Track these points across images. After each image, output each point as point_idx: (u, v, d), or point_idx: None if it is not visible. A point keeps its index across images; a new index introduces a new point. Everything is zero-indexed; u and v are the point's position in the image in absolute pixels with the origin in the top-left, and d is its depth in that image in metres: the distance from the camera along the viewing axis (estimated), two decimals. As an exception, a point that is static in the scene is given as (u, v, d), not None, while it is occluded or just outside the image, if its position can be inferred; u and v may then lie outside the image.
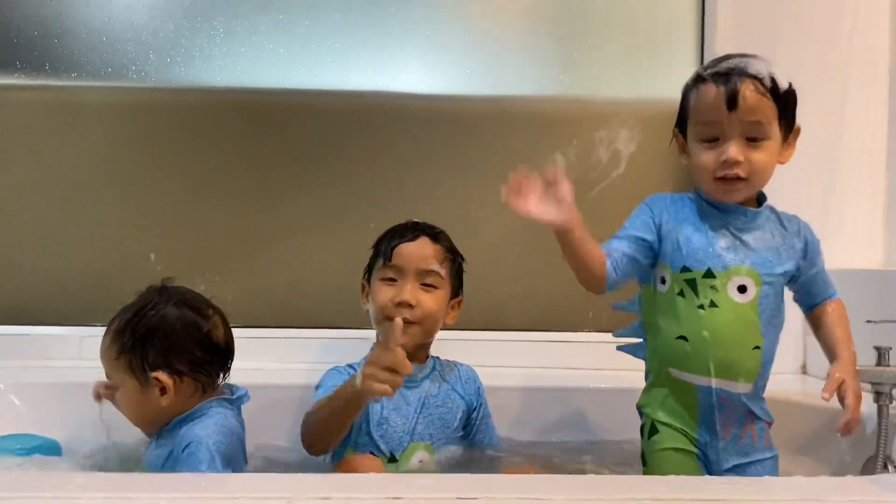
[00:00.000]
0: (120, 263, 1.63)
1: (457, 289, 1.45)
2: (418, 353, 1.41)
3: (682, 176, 1.88)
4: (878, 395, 1.31)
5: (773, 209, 1.29)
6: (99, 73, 1.81)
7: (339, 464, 1.32)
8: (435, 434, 1.38)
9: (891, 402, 1.32)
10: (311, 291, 1.83)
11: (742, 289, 1.22)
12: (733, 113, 1.16)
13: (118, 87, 1.82)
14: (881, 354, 1.32)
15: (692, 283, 1.22)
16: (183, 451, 1.14)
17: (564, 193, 1.15)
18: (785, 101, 1.18)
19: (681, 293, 1.23)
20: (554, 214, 1.14)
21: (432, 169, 1.86)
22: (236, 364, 1.71)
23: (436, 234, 1.42)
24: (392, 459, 1.34)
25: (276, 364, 1.72)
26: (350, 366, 1.40)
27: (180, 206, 1.84)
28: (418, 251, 1.38)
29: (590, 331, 1.84)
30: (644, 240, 1.26)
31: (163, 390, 1.19)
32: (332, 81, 1.84)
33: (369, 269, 1.44)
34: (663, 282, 1.27)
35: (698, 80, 1.22)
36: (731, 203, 1.24)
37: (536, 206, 1.14)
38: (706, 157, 1.20)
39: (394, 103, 1.85)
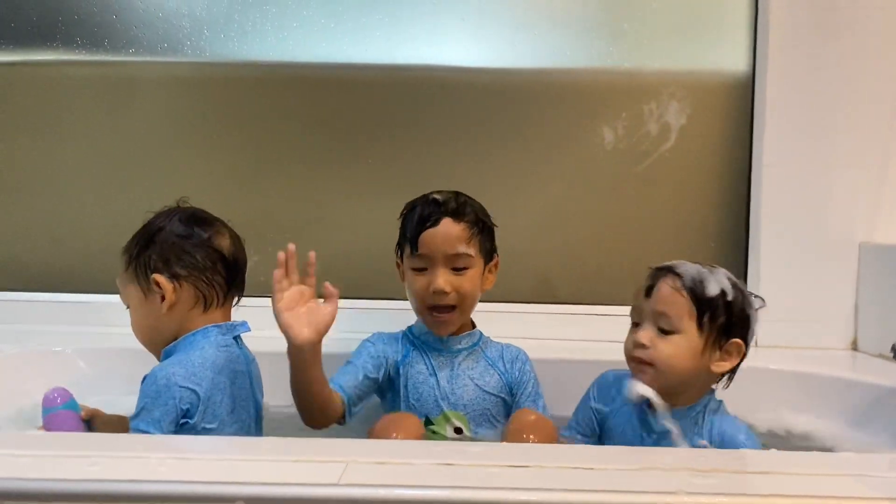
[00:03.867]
0: (177, 234, 1.68)
1: (490, 254, 1.40)
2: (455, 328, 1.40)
3: (732, 149, 1.85)
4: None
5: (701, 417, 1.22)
6: (155, 49, 1.85)
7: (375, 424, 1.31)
8: (469, 405, 1.38)
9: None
10: (360, 263, 1.86)
11: None
12: (647, 301, 1.20)
13: (174, 62, 1.86)
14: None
15: None
16: (142, 382, 1.15)
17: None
18: (708, 306, 1.18)
19: None
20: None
21: (480, 141, 1.86)
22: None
23: (458, 211, 1.35)
24: (428, 422, 1.37)
25: (329, 333, 1.76)
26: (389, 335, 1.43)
27: (233, 178, 1.88)
28: (443, 237, 1.33)
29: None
30: (584, 434, 1.32)
31: (163, 298, 1.18)
32: (380, 55, 1.85)
33: (399, 250, 1.42)
34: None
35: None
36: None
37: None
38: (627, 339, 1.23)
39: (442, 76, 1.86)
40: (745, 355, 1.21)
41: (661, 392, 1.19)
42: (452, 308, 1.35)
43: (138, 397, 1.14)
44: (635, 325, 1.23)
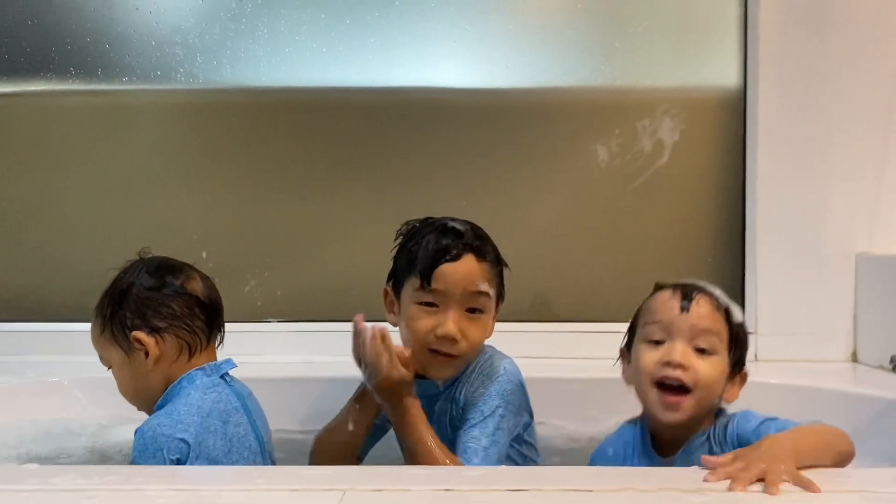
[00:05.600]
0: (173, 261, 1.70)
1: (501, 298, 1.27)
2: None
3: (727, 166, 1.86)
4: (932, 384, 1.29)
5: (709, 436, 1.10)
6: (149, 77, 1.86)
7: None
8: None
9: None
10: (358, 285, 1.86)
11: None
12: (684, 315, 1.07)
13: (167, 89, 1.86)
14: (935, 343, 1.30)
15: None
16: (133, 443, 1.12)
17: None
18: (736, 332, 1.10)
19: None
20: None
21: (474, 161, 1.87)
22: (286, 357, 1.77)
23: (481, 249, 1.20)
24: None
25: (327, 357, 1.76)
26: None
27: (229, 204, 1.89)
28: (465, 274, 1.17)
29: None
30: None
31: (147, 353, 1.15)
32: (374, 78, 1.86)
33: (396, 278, 1.25)
34: None
35: (655, 288, 1.15)
36: (671, 424, 1.07)
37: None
38: (648, 357, 1.08)
39: (436, 98, 1.87)
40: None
41: (688, 423, 1.08)
42: (459, 356, 1.20)
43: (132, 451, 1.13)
44: (654, 342, 1.08)
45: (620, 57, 1.86)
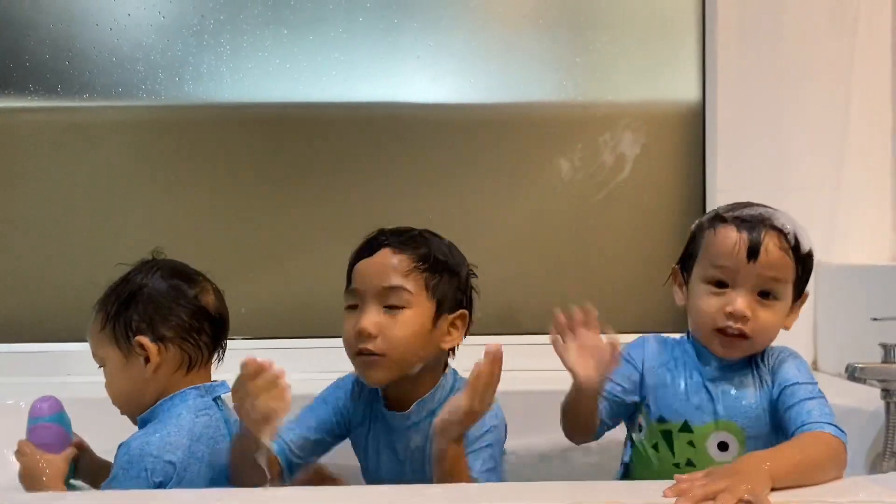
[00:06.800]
0: (136, 279, 1.68)
1: (447, 303, 1.16)
2: (403, 391, 1.15)
3: (688, 179, 1.88)
4: (885, 393, 1.32)
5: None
6: (110, 94, 1.84)
7: None
8: None
9: (898, 400, 1.31)
10: (323, 301, 1.85)
11: (723, 446, 1.11)
12: (751, 264, 1.05)
13: (129, 106, 1.85)
14: (887, 351, 1.32)
15: (668, 436, 1.13)
16: (117, 450, 1.09)
17: (610, 360, 1.04)
18: (804, 264, 1.09)
19: (655, 446, 1.14)
20: (591, 371, 1.04)
21: (440, 177, 1.88)
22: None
23: (402, 242, 1.14)
24: None
25: (294, 375, 1.74)
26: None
27: (192, 221, 1.87)
28: (376, 268, 1.12)
29: (601, 333, 1.84)
30: (624, 388, 1.16)
31: (147, 360, 1.11)
32: (338, 94, 1.86)
33: None
34: (640, 429, 1.17)
35: (718, 220, 1.12)
36: (725, 358, 1.12)
37: (576, 356, 1.05)
38: (709, 303, 1.08)
39: (400, 113, 1.87)
40: None
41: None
42: (381, 355, 1.11)
43: (113, 465, 1.09)
44: (716, 285, 1.07)
45: (582, 72, 1.88)
